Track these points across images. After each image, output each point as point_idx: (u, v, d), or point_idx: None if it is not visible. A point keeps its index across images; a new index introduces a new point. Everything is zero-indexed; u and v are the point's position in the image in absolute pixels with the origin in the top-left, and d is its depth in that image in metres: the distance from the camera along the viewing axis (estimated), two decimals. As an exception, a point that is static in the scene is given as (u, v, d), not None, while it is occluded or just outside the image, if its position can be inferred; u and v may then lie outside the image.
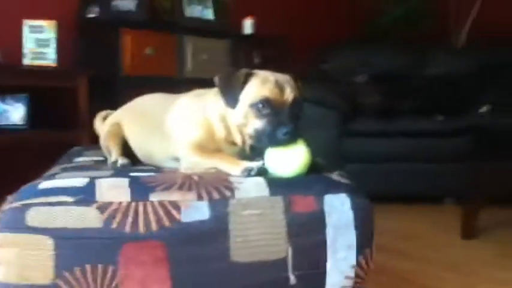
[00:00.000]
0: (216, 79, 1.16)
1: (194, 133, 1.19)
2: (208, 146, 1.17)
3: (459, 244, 2.26)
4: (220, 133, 1.18)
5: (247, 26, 3.34)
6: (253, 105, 1.10)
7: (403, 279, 1.79)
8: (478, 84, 3.60)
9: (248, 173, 1.05)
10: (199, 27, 3.04)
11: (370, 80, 3.44)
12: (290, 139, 1.05)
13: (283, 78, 1.15)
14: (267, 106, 1.09)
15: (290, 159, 1.06)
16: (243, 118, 1.12)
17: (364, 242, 1.02)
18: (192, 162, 1.16)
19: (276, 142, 1.06)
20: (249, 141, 1.13)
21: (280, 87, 1.11)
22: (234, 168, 1.08)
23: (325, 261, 0.99)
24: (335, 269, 1.00)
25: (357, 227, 1.01)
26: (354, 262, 1.01)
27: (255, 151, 1.12)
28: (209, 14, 3.16)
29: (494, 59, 3.76)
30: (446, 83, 3.58)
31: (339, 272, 1.00)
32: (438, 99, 3.30)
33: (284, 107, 1.10)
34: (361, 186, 1.08)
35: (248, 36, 3.31)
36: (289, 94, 1.11)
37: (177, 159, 1.22)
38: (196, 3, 3.12)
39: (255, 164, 1.06)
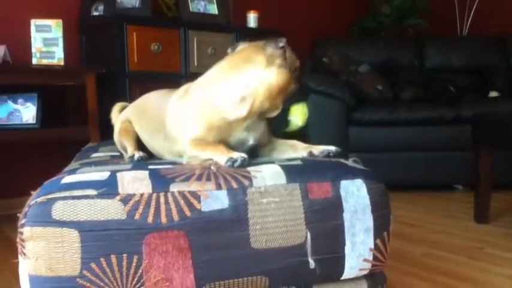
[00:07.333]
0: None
1: (190, 129, 1.20)
2: (208, 138, 1.17)
3: (471, 228, 2.29)
4: (217, 120, 1.17)
5: (251, 19, 3.34)
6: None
7: (415, 263, 1.81)
8: (483, 73, 3.63)
9: (232, 163, 1.07)
10: (204, 22, 3.05)
11: (372, 70, 3.45)
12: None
13: None
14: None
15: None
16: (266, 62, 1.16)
17: (381, 225, 1.03)
18: (191, 157, 1.18)
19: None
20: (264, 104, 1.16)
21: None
22: (221, 158, 1.09)
23: (344, 245, 1.01)
24: (353, 253, 1.02)
25: (373, 211, 1.02)
26: (372, 245, 1.03)
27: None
28: (213, 8, 3.17)
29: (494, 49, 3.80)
30: (446, 74, 3.61)
31: (357, 255, 1.02)
32: (440, 89, 3.31)
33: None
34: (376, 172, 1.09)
35: (252, 30, 3.31)
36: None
37: (181, 157, 1.23)
38: (199, -2, 3.13)
39: (239, 155, 1.08)
